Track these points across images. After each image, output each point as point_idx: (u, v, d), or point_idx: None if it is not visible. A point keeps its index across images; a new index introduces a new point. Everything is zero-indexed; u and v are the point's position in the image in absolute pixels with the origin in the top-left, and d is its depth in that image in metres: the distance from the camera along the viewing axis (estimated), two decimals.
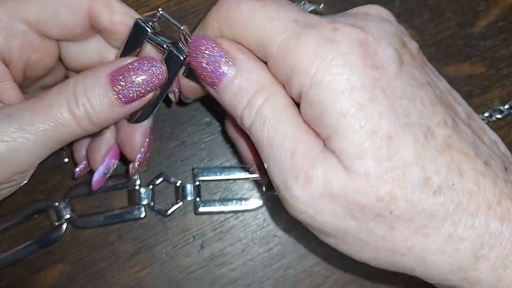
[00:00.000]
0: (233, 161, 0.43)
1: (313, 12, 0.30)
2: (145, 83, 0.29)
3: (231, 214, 0.42)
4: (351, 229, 0.27)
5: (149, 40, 0.31)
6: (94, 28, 0.32)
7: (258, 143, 0.28)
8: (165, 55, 0.31)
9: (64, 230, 0.41)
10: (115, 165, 0.37)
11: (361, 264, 0.42)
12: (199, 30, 0.31)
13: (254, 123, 0.28)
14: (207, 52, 0.29)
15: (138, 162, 0.35)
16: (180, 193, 0.42)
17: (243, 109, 0.28)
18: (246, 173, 0.42)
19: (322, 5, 0.31)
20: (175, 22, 0.29)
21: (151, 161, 0.43)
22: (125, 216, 0.41)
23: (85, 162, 0.39)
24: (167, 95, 0.34)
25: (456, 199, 0.25)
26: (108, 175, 0.37)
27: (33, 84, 0.35)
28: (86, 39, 0.33)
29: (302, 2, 0.31)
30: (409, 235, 0.26)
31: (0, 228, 0.41)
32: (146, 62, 0.29)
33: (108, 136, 0.36)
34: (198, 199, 0.42)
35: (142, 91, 0.30)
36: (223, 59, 0.28)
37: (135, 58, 0.30)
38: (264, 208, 0.43)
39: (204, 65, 0.29)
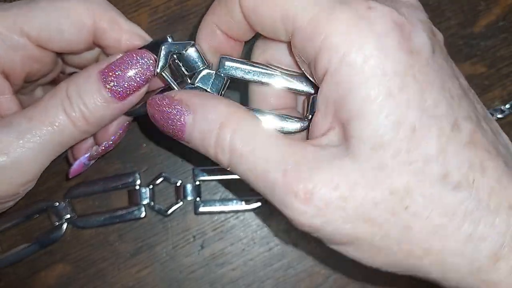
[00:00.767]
0: None
1: None
2: (137, 76, 0.29)
3: (232, 214, 0.42)
4: (364, 234, 0.25)
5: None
6: (97, 44, 0.32)
7: (243, 177, 0.27)
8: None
9: (64, 230, 0.41)
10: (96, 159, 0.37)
11: (361, 264, 0.42)
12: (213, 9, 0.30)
13: (232, 161, 0.27)
14: (162, 109, 0.28)
15: (103, 148, 0.35)
16: (180, 193, 0.42)
17: (215, 151, 0.27)
18: None
19: None
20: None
21: (152, 161, 0.43)
22: (125, 216, 0.41)
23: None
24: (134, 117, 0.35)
25: (476, 196, 0.24)
26: (87, 166, 0.37)
27: (30, 85, 0.35)
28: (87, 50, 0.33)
29: None
30: (426, 235, 0.25)
31: (0, 228, 0.41)
32: (135, 55, 0.29)
33: None
34: (198, 199, 0.42)
35: (135, 84, 0.29)
36: (178, 110, 0.27)
37: (124, 53, 0.30)
38: (264, 208, 0.42)
39: (164, 121, 0.28)
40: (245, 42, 0.31)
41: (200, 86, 0.30)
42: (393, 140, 0.24)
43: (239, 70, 0.29)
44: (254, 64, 0.30)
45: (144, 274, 0.41)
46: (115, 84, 0.29)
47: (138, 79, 0.29)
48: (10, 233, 0.41)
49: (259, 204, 0.42)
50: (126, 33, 0.31)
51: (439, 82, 0.25)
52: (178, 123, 0.27)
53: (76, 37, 0.31)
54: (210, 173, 0.42)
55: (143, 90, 0.30)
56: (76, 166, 0.36)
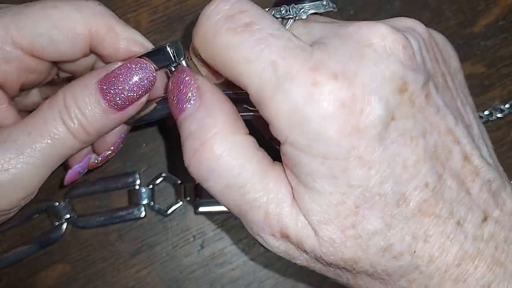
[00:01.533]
0: None
1: (315, 14, 0.28)
2: (136, 87, 0.29)
3: (231, 214, 0.42)
4: (324, 272, 0.28)
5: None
6: (94, 52, 0.31)
7: (226, 204, 0.27)
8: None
9: (64, 230, 0.41)
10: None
11: None
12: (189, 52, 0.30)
13: (203, 184, 0.27)
14: (181, 81, 0.27)
15: (100, 159, 0.35)
16: (180, 193, 0.42)
17: (195, 150, 0.26)
18: None
19: (325, 1, 0.29)
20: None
21: (152, 160, 0.43)
22: (125, 216, 0.41)
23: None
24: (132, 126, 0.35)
25: (414, 264, 0.26)
26: (82, 174, 0.37)
27: (26, 91, 0.35)
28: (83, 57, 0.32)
29: (303, 5, 0.29)
30: (370, 281, 0.27)
31: (0, 228, 0.41)
32: (133, 66, 0.29)
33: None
34: (198, 198, 0.42)
35: (135, 95, 0.29)
36: (191, 92, 0.27)
37: (122, 63, 0.29)
38: None
39: (176, 92, 0.27)
40: None
41: None
42: (337, 217, 0.25)
43: None
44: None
45: (144, 274, 0.41)
46: (114, 95, 0.28)
47: (137, 89, 0.29)
48: (10, 233, 0.41)
49: None
50: (124, 40, 0.30)
51: (390, 157, 0.24)
52: (182, 104, 0.27)
53: (71, 47, 0.30)
54: None
55: (143, 99, 0.29)
56: (71, 174, 0.36)
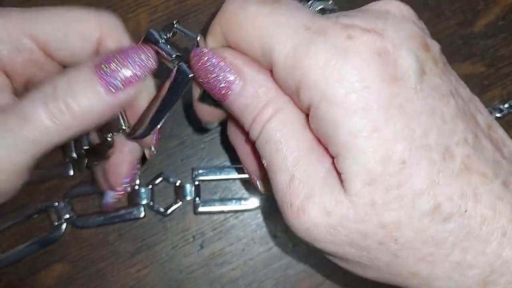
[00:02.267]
0: (233, 161, 0.43)
1: (322, 10, 0.29)
2: (131, 67, 0.28)
3: (231, 214, 0.42)
4: (351, 255, 0.26)
5: (159, 50, 0.29)
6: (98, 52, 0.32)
7: (262, 159, 0.27)
8: (173, 70, 0.29)
9: (64, 230, 0.41)
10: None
11: None
12: (206, 37, 0.29)
13: (259, 140, 0.27)
14: (210, 66, 0.27)
15: (117, 195, 0.35)
16: (179, 193, 0.42)
17: (250, 124, 0.27)
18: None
19: (330, 1, 0.29)
20: (190, 33, 0.28)
21: (151, 160, 0.43)
22: (124, 215, 0.41)
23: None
24: (143, 153, 0.34)
25: (467, 226, 0.24)
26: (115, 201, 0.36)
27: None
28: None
29: (310, 1, 0.29)
30: (414, 262, 0.25)
31: (0, 228, 0.41)
32: (134, 48, 0.28)
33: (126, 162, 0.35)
34: (197, 198, 0.42)
35: (130, 77, 0.27)
36: (228, 74, 0.27)
37: (123, 46, 0.29)
38: (264, 208, 0.43)
39: (210, 80, 0.27)
40: None
41: None
42: (382, 175, 0.24)
43: None
44: None
45: (143, 274, 0.41)
46: (108, 75, 0.27)
47: (132, 71, 0.28)
48: (9, 233, 0.41)
49: (258, 204, 0.42)
50: (127, 38, 0.31)
51: (429, 108, 0.24)
52: (224, 85, 0.27)
53: (81, 48, 0.30)
54: (210, 173, 0.42)
55: (138, 86, 0.28)
56: (108, 201, 0.36)
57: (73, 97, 0.27)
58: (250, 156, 0.32)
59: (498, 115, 0.43)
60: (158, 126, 0.30)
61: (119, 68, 0.27)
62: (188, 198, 0.42)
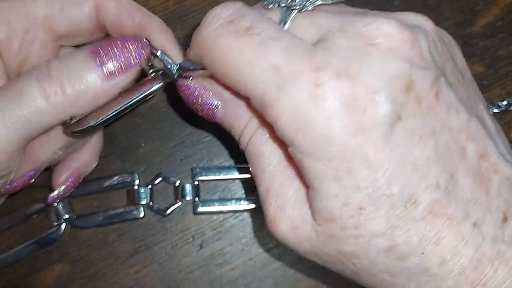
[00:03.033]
0: (232, 161, 0.43)
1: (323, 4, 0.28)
2: (126, 55, 0.29)
3: (230, 214, 0.42)
4: (321, 263, 0.28)
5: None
6: (101, 26, 0.32)
7: (250, 167, 0.29)
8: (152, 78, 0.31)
9: (63, 230, 0.41)
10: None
11: None
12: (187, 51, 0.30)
13: (245, 151, 0.29)
14: (195, 95, 0.30)
15: (54, 196, 0.37)
16: (179, 193, 0.42)
17: (238, 139, 0.30)
18: (245, 172, 0.42)
19: None
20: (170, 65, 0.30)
21: (150, 160, 0.43)
22: (124, 216, 0.41)
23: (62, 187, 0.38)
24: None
25: (422, 266, 0.24)
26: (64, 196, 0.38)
27: None
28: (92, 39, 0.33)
29: None
30: (372, 282, 0.27)
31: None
32: (128, 38, 0.30)
33: (69, 162, 0.37)
34: (197, 198, 0.42)
35: (125, 64, 0.29)
36: (210, 100, 0.29)
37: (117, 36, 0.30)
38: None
39: (196, 105, 0.30)
40: None
41: None
42: (340, 217, 0.25)
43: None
44: None
45: (143, 274, 0.41)
46: (105, 59, 0.28)
47: (127, 58, 0.29)
48: (8, 233, 0.41)
49: (258, 204, 0.42)
50: (126, 6, 0.32)
51: (397, 157, 0.24)
52: (210, 111, 0.30)
53: (80, 14, 0.31)
54: (209, 173, 0.42)
55: (131, 75, 0.29)
56: (54, 196, 0.38)
57: (68, 78, 0.27)
58: None
59: (495, 110, 0.44)
60: (103, 125, 0.31)
61: (115, 54, 0.28)
62: (188, 198, 0.42)
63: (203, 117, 0.31)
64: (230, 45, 0.25)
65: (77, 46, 0.34)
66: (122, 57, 0.29)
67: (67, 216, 0.41)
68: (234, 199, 0.42)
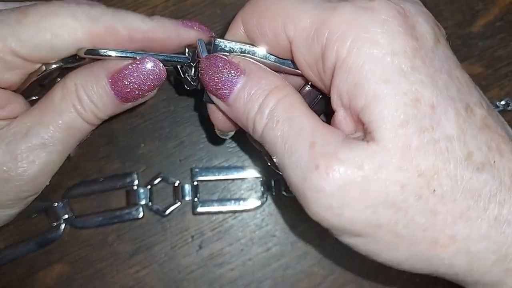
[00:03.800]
0: (232, 161, 0.43)
1: None
2: (143, 83, 0.30)
3: (230, 214, 0.42)
4: (386, 221, 0.24)
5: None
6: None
7: (272, 145, 0.27)
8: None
9: (62, 230, 0.41)
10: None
11: (360, 264, 0.42)
12: (226, 35, 0.30)
13: (267, 126, 0.27)
14: (215, 67, 0.28)
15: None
16: (178, 193, 0.42)
17: (254, 115, 0.27)
18: (244, 172, 0.42)
19: None
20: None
21: (150, 161, 0.43)
22: (123, 216, 0.41)
23: None
24: None
25: (498, 178, 0.24)
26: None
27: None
28: None
29: None
30: (452, 220, 0.24)
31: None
32: (145, 63, 0.30)
33: None
34: (196, 199, 0.42)
35: (143, 91, 0.30)
36: (232, 71, 0.28)
37: (134, 60, 0.30)
38: (262, 208, 0.43)
39: (214, 78, 0.28)
40: None
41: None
42: (415, 117, 0.24)
43: (230, 45, 0.30)
44: (248, 44, 0.30)
45: (142, 275, 0.41)
46: (123, 89, 0.30)
47: (146, 86, 0.30)
48: (8, 232, 0.41)
49: (257, 204, 0.42)
50: (125, 32, 0.30)
51: (446, 68, 0.25)
52: (229, 83, 0.28)
53: (73, 50, 0.30)
54: (208, 173, 0.42)
55: (151, 94, 0.31)
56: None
57: (96, 107, 0.30)
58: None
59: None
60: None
61: (133, 86, 0.30)
62: (187, 198, 0.42)
63: (215, 96, 0.29)
64: None
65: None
66: (140, 86, 0.30)
67: (66, 216, 0.41)
68: (233, 199, 0.42)
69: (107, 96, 0.30)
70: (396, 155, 0.24)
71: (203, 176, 0.42)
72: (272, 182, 0.42)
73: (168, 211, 0.42)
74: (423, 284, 0.42)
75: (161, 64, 0.30)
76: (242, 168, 0.42)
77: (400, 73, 0.24)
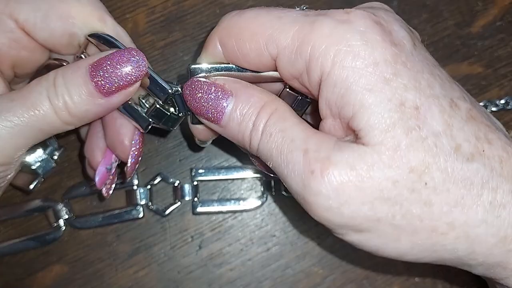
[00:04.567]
0: (232, 161, 0.43)
1: None
2: (125, 74, 0.29)
3: (229, 214, 0.42)
4: (384, 215, 0.26)
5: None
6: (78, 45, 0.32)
7: (268, 157, 0.28)
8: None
9: (62, 231, 0.41)
10: (117, 162, 0.36)
11: (359, 264, 0.42)
12: (201, 53, 0.31)
13: (262, 140, 0.28)
14: (202, 93, 0.29)
15: (133, 160, 0.34)
16: (178, 193, 0.42)
17: (250, 133, 0.28)
18: (244, 172, 0.42)
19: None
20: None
21: (150, 161, 0.42)
22: (123, 216, 0.41)
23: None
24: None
25: (489, 165, 0.25)
26: (112, 170, 0.35)
27: (23, 81, 0.35)
28: (70, 53, 0.33)
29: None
30: (448, 209, 0.25)
31: None
32: (126, 53, 0.29)
33: (101, 134, 0.35)
34: (196, 199, 0.42)
35: (122, 82, 0.29)
36: (219, 93, 0.29)
37: (116, 50, 0.29)
38: (262, 208, 0.43)
39: (202, 103, 0.29)
40: None
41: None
42: (400, 120, 0.25)
43: (205, 67, 0.30)
44: (223, 64, 0.30)
45: (142, 275, 0.41)
46: (103, 78, 0.29)
47: (127, 76, 0.29)
48: (8, 233, 0.41)
49: (257, 204, 0.42)
50: (111, 32, 0.31)
51: (427, 69, 0.27)
52: (219, 106, 0.29)
53: (61, 29, 0.31)
54: (208, 173, 0.42)
55: (131, 89, 0.29)
56: (101, 174, 0.35)
57: (71, 99, 0.28)
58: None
59: (493, 109, 0.44)
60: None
61: (112, 74, 0.29)
62: (187, 198, 0.42)
63: (207, 122, 0.30)
64: (257, 12, 0.28)
65: None
66: (120, 74, 0.29)
67: (66, 216, 0.41)
68: (233, 199, 0.42)
69: (82, 84, 0.28)
70: (386, 154, 0.25)
71: (203, 176, 0.42)
72: (272, 182, 0.42)
73: (167, 211, 0.42)
74: (423, 284, 0.42)
75: (145, 60, 0.29)
76: (242, 168, 0.42)
77: (383, 81, 0.25)
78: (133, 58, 0.29)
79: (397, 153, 0.25)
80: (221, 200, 0.42)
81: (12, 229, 0.41)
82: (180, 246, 0.42)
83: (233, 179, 0.43)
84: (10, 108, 0.28)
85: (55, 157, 0.40)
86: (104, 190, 0.35)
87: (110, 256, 0.41)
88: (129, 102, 0.32)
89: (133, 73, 0.29)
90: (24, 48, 0.31)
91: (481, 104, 0.44)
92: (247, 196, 0.43)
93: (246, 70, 0.30)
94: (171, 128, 0.32)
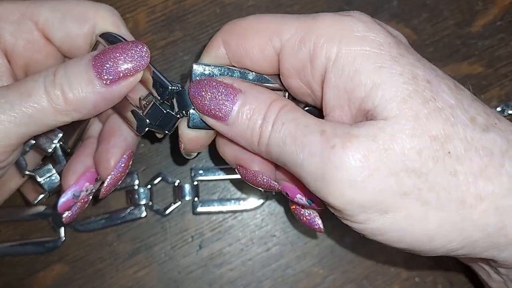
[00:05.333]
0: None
1: None
2: (128, 63, 0.29)
3: (230, 214, 0.42)
4: (411, 188, 0.25)
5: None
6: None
7: (281, 147, 0.27)
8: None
9: (63, 238, 0.41)
10: (90, 190, 0.34)
11: (359, 264, 0.42)
12: (203, 55, 0.31)
13: (273, 129, 0.28)
14: (210, 91, 0.29)
15: (111, 182, 0.33)
16: (178, 193, 0.42)
17: (260, 127, 0.28)
18: None
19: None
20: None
21: (150, 161, 0.43)
22: (124, 217, 0.41)
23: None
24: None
25: (504, 136, 0.26)
26: (79, 197, 0.33)
27: None
28: None
29: None
30: (474, 179, 0.25)
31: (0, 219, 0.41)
32: (130, 44, 0.29)
33: (85, 157, 0.34)
34: (196, 199, 0.42)
35: (125, 72, 0.28)
36: (230, 90, 0.29)
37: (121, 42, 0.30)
38: (262, 208, 0.43)
39: (212, 101, 0.29)
40: None
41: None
42: (416, 91, 0.26)
43: (209, 68, 0.30)
44: (225, 66, 0.31)
45: (142, 275, 0.41)
46: (104, 66, 0.28)
47: (128, 66, 0.29)
48: (8, 233, 0.41)
49: (257, 204, 0.42)
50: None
51: (423, 62, 0.28)
52: (226, 104, 0.29)
53: (77, 30, 0.31)
54: (209, 173, 0.42)
55: (132, 80, 0.29)
56: (65, 199, 0.33)
57: (69, 86, 0.28)
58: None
59: (511, 112, 0.44)
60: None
61: (114, 62, 0.28)
62: (187, 198, 0.42)
63: (213, 119, 0.29)
64: (259, 15, 0.30)
65: None
66: (121, 64, 0.29)
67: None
68: (233, 199, 0.42)
69: (83, 74, 0.28)
70: (408, 124, 0.25)
71: (203, 176, 0.42)
72: None
73: (168, 211, 0.42)
74: (423, 284, 0.42)
75: (146, 49, 0.29)
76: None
77: (392, 59, 0.26)
78: (136, 48, 0.29)
79: (417, 122, 0.25)
80: (221, 200, 0.42)
81: (13, 230, 0.41)
82: (180, 246, 0.42)
83: (233, 179, 0.43)
84: (4, 94, 0.27)
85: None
86: (64, 215, 0.34)
87: (111, 256, 0.42)
88: (129, 102, 0.32)
89: (135, 62, 0.29)
90: (39, 51, 0.32)
91: (498, 109, 0.44)
92: (247, 196, 0.43)
93: (248, 73, 0.30)
94: (167, 132, 0.32)
